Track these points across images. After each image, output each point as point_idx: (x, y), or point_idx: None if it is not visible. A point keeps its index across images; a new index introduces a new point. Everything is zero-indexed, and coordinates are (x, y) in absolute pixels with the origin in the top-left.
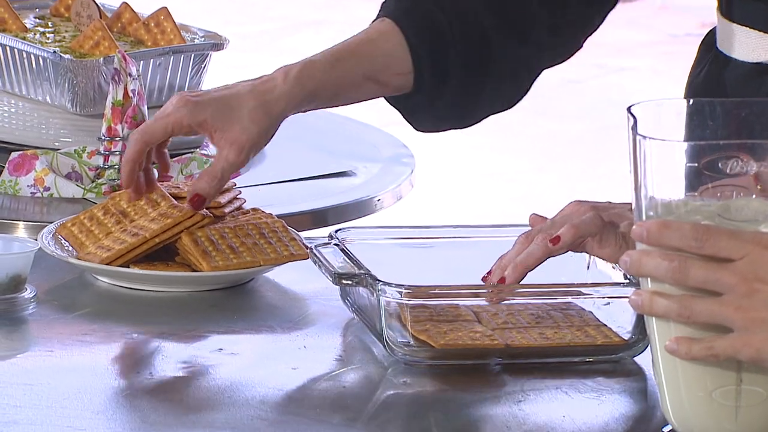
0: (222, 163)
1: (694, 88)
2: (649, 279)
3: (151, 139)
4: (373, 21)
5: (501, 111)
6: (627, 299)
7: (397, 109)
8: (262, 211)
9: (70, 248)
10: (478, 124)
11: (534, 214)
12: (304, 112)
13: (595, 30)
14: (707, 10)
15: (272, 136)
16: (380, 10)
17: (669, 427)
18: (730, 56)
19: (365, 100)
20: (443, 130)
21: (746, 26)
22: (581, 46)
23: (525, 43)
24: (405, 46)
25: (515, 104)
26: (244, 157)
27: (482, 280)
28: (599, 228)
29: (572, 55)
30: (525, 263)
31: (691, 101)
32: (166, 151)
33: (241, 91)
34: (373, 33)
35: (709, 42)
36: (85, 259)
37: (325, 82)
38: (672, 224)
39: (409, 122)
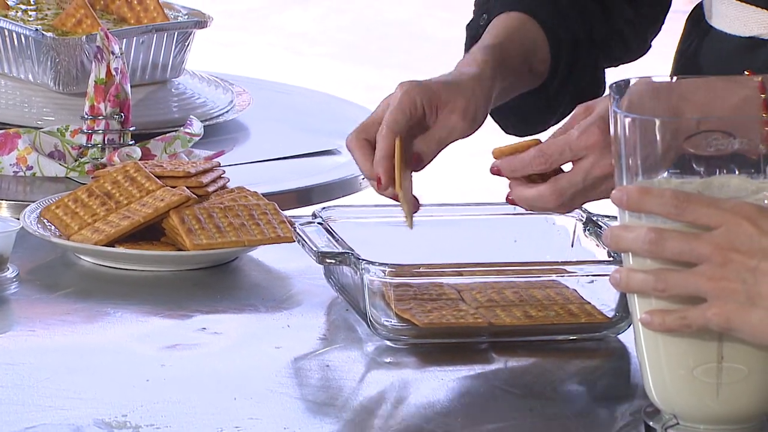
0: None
1: (683, 63)
2: (630, 256)
3: (397, 126)
4: (492, 18)
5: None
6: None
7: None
8: (247, 190)
9: (53, 228)
10: None
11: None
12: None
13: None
14: None
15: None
16: (495, 8)
17: (652, 406)
18: (721, 30)
19: (517, 92)
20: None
21: (738, 0)
22: (650, 46)
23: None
24: (542, 32)
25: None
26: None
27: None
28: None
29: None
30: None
31: (674, 79)
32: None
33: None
34: (512, 21)
35: (696, 16)
36: (77, 241)
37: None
38: (652, 190)
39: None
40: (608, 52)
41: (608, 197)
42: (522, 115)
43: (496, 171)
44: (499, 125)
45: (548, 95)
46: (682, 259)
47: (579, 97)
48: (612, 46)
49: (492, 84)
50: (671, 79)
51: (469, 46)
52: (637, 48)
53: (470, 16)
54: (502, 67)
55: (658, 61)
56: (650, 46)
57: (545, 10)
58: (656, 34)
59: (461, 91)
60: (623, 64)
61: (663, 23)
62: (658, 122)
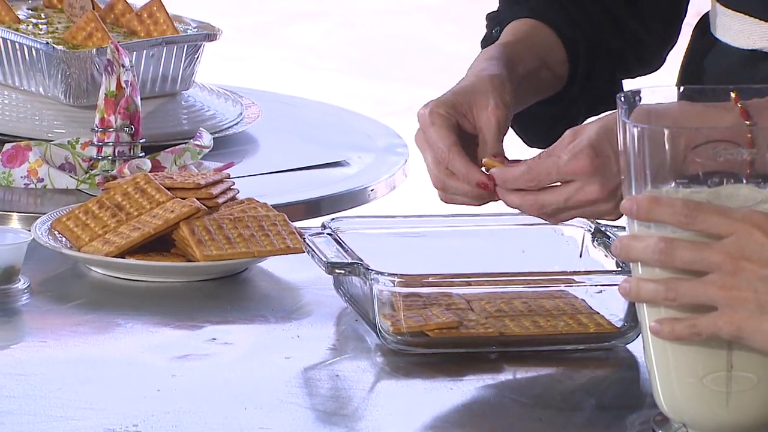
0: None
1: (688, 75)
2: (639, 266)
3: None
4: (505, 26)
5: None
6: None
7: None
8: (257, 201)
9: (64, 240)
10: None
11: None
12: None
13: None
14: None
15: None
16: (506, 18)
17: (661, 414)
18: (725, 42)
19: (537, 96)
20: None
21: (742, 13)
22: (664, 60)
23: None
24: (555, 35)
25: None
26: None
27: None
28: None
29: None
30: None
31: (682, 88)
32: None
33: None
34: (522, 26)
35: (702, 27)
36: (87, 252)
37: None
38: (662, 199)
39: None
40: (622, 62)
41: (593, 217)
42: (538, 124)
43: (484, 182)
44: (522, 138)
45: (566, 102)
46: (693, 268)
47: (594, 107)
48: (625, 56)
49: (504, 73)
50: (676, 89)
51: None
52: (651, 61)
53: (477, 29)
54: (514, 60)
55: (663, 72)
56: (664, 60)
57: (557, 16)
58: (670, 48)
59: (479, 91)
60: (639, 76)
61: (677, 37)
62: (667, 132)
